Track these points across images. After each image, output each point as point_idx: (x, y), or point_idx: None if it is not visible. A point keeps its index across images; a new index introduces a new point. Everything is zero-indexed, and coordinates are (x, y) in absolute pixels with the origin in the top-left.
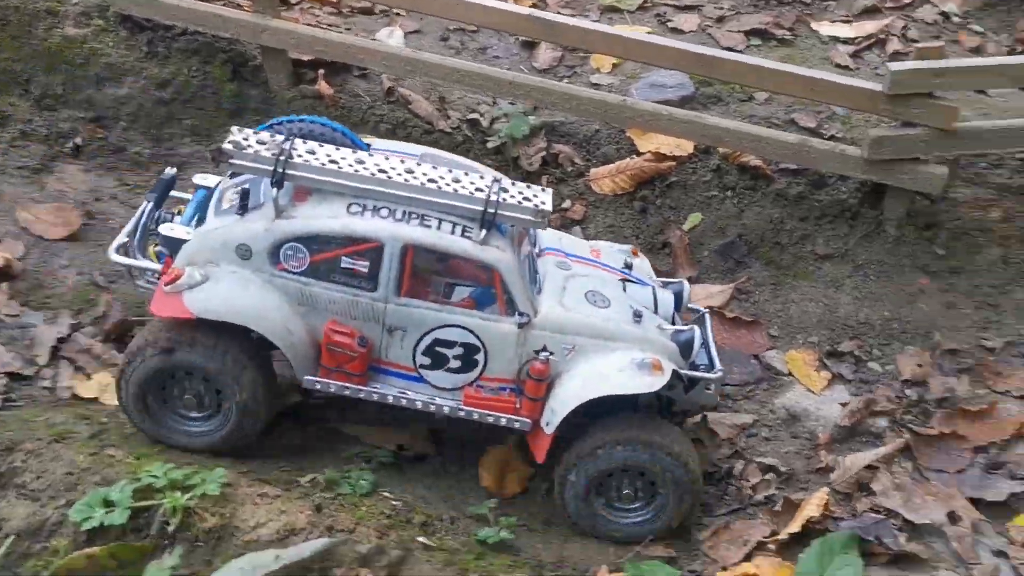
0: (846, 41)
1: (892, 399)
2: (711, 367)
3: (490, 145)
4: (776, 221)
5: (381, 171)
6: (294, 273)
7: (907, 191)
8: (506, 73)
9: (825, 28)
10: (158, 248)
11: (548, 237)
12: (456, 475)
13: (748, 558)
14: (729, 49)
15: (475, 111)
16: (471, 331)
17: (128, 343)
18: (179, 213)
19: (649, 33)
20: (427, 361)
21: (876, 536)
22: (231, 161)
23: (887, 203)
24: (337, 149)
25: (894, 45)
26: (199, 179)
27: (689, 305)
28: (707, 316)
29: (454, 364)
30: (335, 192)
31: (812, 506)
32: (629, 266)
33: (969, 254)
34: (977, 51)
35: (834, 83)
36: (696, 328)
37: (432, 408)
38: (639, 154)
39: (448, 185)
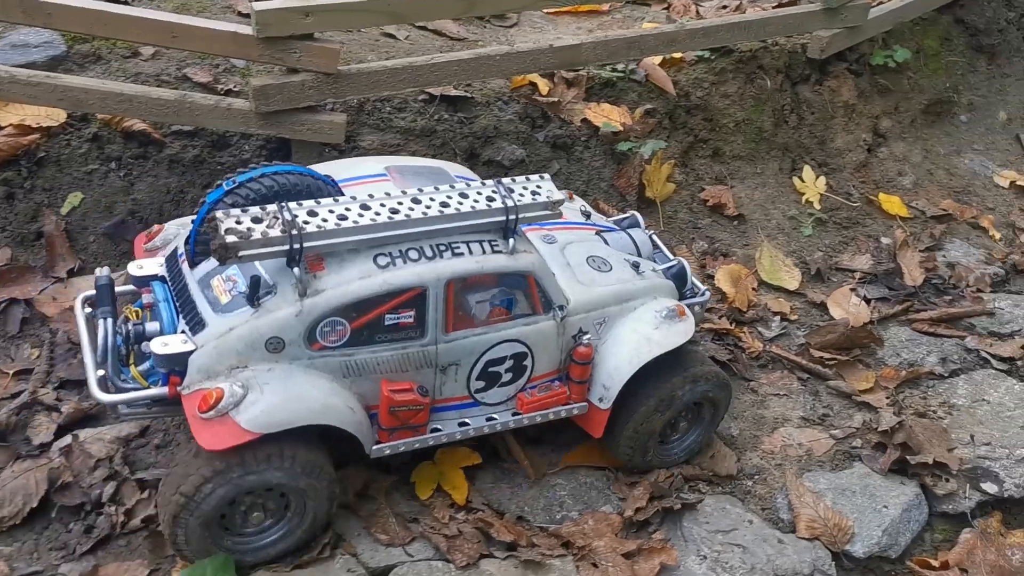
0: None
1: None
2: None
3: None
4: (175, 191)
5: (393, 211)
6: (335, 347)
7: (312, 143)
8: None
9: None
10: (142, 367)
11: None
12: None
13: None
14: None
15: None
16: (517, 340)
17: None
18: (136, 317)
19: None
20: (481, 385)
21: None
22: (241, 255)
23: (295, 158)
24: (336, 200)
25: None
26: (134, 268)
27: None
28: (655, 236)
29: (506, 378)
30: (350, 250)
31: None
32: (588, 215)
33: None
34: None
35: (195, 27)
36: (681, 259)
37: (498, 427)
38: None
39: (461, 204)
